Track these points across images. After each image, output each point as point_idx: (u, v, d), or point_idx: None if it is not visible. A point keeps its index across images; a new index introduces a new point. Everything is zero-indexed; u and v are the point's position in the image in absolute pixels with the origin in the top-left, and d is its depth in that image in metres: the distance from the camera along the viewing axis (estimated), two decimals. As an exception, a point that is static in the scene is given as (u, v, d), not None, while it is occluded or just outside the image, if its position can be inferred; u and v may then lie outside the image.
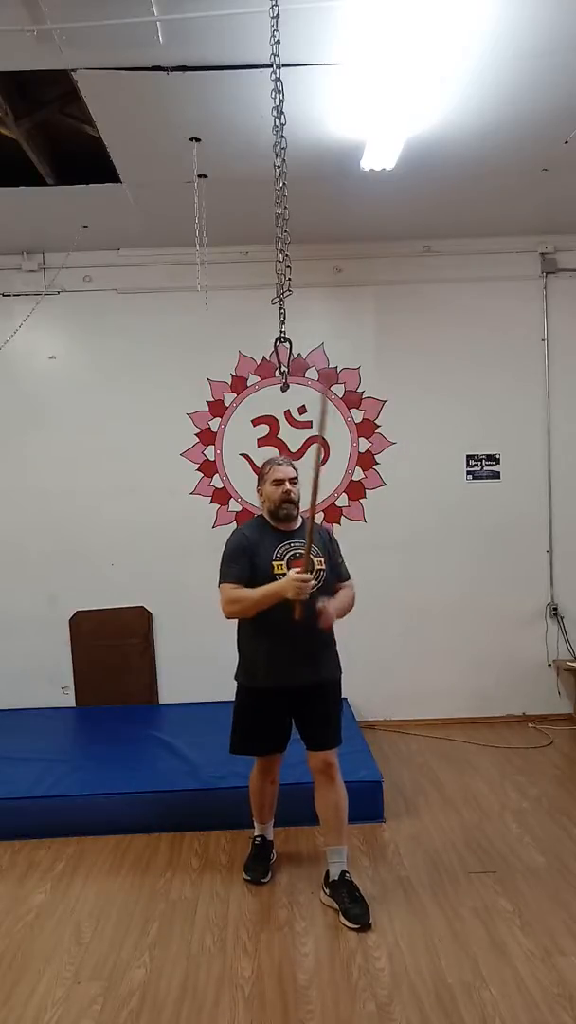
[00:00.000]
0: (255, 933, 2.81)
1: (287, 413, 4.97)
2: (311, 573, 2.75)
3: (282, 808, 3.29)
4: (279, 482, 2.94)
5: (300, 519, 3.02)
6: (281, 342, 2.59)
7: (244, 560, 2.89)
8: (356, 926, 2.78)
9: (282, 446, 4.97)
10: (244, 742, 3.06)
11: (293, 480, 2.96)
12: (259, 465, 4.82)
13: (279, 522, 2.97)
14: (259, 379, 4.96)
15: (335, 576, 3.01)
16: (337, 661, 3.03)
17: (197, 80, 2.90)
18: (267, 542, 2.93)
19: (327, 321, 4.96)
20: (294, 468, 3.01)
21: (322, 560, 2.92)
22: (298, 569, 2.73)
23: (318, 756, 2.93)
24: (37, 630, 4.98)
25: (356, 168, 3.63)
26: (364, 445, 4.99)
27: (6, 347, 4.82)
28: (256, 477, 4.80)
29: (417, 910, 2.90)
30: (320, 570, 2.89)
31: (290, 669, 2.89)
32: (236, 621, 3.00)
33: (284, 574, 2.81)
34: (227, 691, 5.03)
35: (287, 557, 2.89)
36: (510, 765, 4.29)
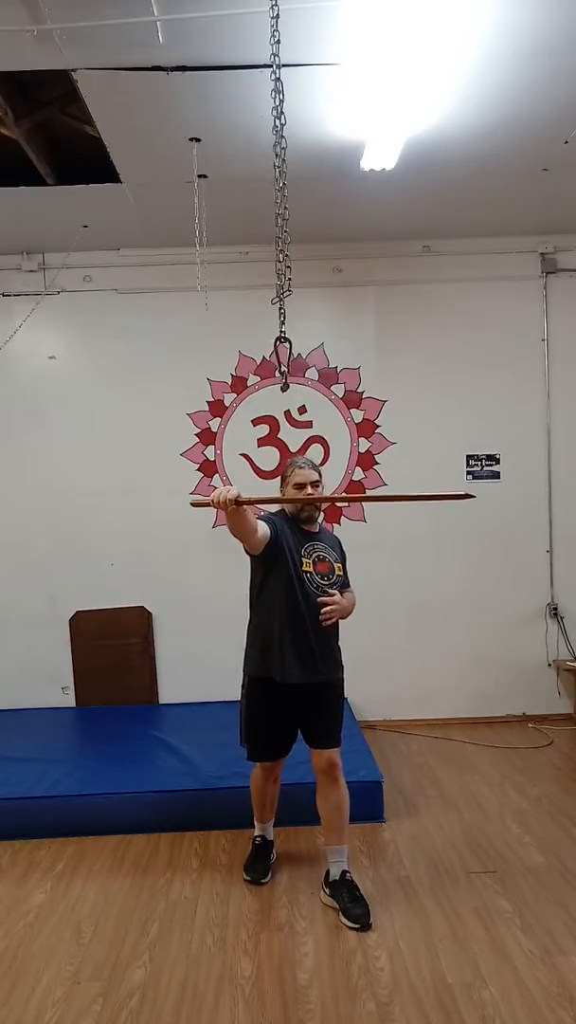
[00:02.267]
0: (255, 933, 2.81)
1: (287, 413, 4.97)
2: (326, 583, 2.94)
3: (282, 808, 3.29)
4: (300, 486, 2.93)
5: (320, 524, 3.06)
6: (281, 342, 2.58)
7: (274, 528, 2.86)
8: (356, 926, 2.78)
9: (282, 446, 4.97)
10: (259, 749, 3.07)
11: (315, 484, 2.94)
12: (259, 465, 4.92)
13: (301, 523, 2.99)
14: (259, 379, 4.96)
15: (342, 584, 3.04)
16: (340, 661, 3.04)
17: (197, 80, 2.90)
18: (295, 538, 2.93)
19: (327, 321, 4.96)
20: (317, 471, 2.99)
21: (341, 566, 3.01)
22: (323, 572, 2.93)
23: (322, 755, 2.93)
24: (37, 630, 4.98)
25: (356, 168, 3.63)
26: (364, 445, 4.99)
27: (6, 347, 4.82)
28: (257, 477, 4.81)
29: (417, 910, 2.90)
30: (339, 576, 2.99)
31: (300, 667, 2.88)
32: (248, 618, 3.08)
33: (310, 572, 2.90)
34: (227, 691, 5.02)
35: (313, 557, 2.93)
36: (510, 765, 4.29)
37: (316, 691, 2.94)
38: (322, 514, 3.14)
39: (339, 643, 3.03)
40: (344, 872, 2.94)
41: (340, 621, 2.97)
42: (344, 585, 3.04)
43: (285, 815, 3.36)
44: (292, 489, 2.95)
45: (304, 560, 2.91)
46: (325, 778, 2.94)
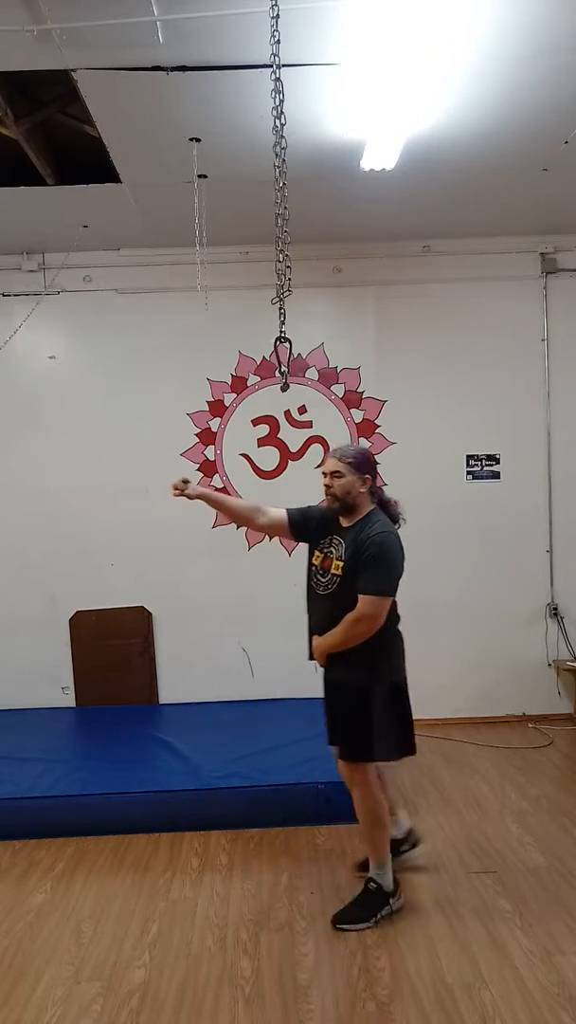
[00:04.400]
0: (255, 933, 2.81)
1: (287, 413, 4.97)
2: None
3: (281, 808, 3.29)
4: (324, 475, 2.91)
5: (363, 519, 2.86)
6: (281, 342, 2.58)
7: (300, 516, 2.98)
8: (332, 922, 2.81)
9: (282, 446, 4.97)
10: None
11: (334, 474, 2.85)
12: (259, 465, 4.92)
13: (337, 514, 2.92)
14: (259, 379, 4.96)
15: (351, 585, 2.78)
16: (358, 671, 2.81)
17: (197, 80, 2.90)
18: (324, 529, 2.93)
19: (327, 321, 4.96)
20: (345, 460, 2.85)
21: (340, 565, 2.81)
22: (323, 569, 2.88)
23: (340, 763, 2.91)
24: (37, 630, 4.98)
25: (356, 168, 3.63)
26: (364, 445, 4.99)
27: (6, 347, 4.82)
28: (257, 477, 4.81)
29: (417, 910, 2.90)
30: (335, 575, 2.82)
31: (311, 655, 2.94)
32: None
33: (317, 566, 2.90)
34: (227, 691, 5.02)
35: (325, 551, 2.89)
36: (510, 765, 4.29)
37: (327, 688, 2.92)
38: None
39: (367, 650, 2.78)
40: (368, 879, 2.88)
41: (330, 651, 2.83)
42: (347, 589, 2.78)
43: (284, 815, 3.36)
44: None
45: (316, 553, 2.92)
46: (348, 785, 2.91)
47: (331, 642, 2.81)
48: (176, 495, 2.92)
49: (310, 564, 2.94)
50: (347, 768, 2.88)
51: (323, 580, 2.87)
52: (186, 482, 2.95)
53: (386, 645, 2.84)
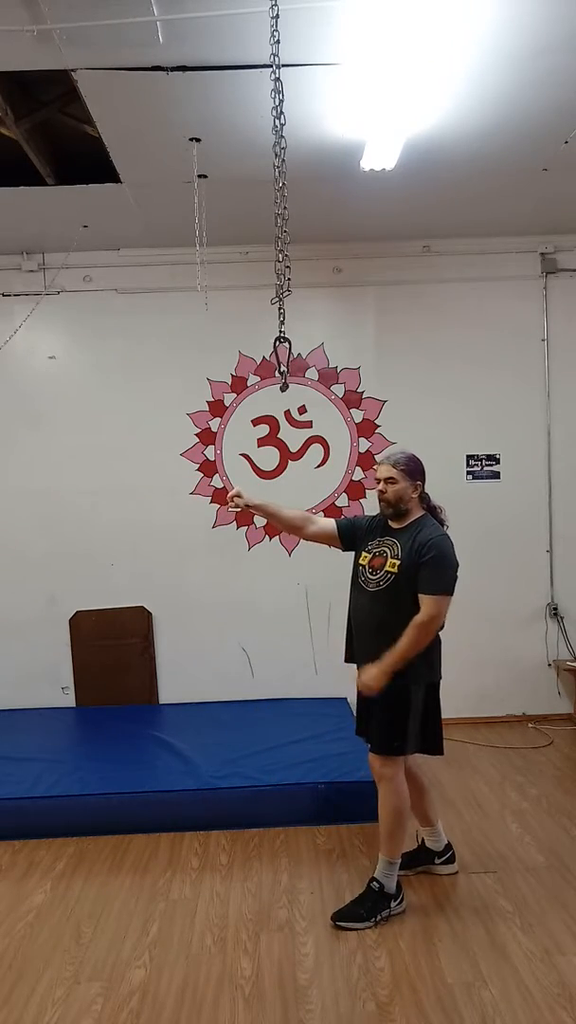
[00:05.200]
0: (255, 933, 2.81)
1: (287, 413, 4.97)
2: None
3: (281, 808, 3.29)
4: (378, 482, 2.97)
5: (413, 522, 2.93)
6: (281, 342, 2.58)
7: (348, 524, 3.11)
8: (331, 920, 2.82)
9: (282, 446, 4.97)
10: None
11: (388, 480, 2.91)
12: (259, 465, 4.92)
13: (388, 519, 2.99)
14: (259, 379, 4.96)
15: (410, 585, 2.82)
16: (399, 669, 2.85)
17: (197, 80, 2.90)
18: (374, 533, 3.00)
19: (327, 321, 4.96)
20: (397, 467, 2.91)
21: (396, 564, 2.85)
22: (374, 567, 2.93)
23: (370, 757, 2.93)
24: (37, 630, 4.98)
25: (356, 168, 3.63)
26: (364, 445, 4.99)
27: (6, 347, 4.82)
28: (257, 477, 4.82)
29: (417, 910, 2.90)
30: (389, 572, 2.86)
31: (357, 656, 2.98)
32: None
33: (363, 566, 2.95)
34: (227, 691, 5.00)
35: (375, 552, 2.94)
36: (510, 765, 4.29)
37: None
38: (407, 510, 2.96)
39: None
40: (372, 879, 2.89)
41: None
42: (399, 586, 2.82)
43: (284, 815, 3.35)
44: None
45: (364, 554, 2.97)
46: (375, 779, 2.93)
47: (400, 651, 2.80)
48: (231, 508, 3.06)
49: (357, 564, 3.00)
50: (378, 762, 2.90)
51: (373, 578, 2.91)
52: (247, 504, 3.06)
53: (429, 646, 2.95)
